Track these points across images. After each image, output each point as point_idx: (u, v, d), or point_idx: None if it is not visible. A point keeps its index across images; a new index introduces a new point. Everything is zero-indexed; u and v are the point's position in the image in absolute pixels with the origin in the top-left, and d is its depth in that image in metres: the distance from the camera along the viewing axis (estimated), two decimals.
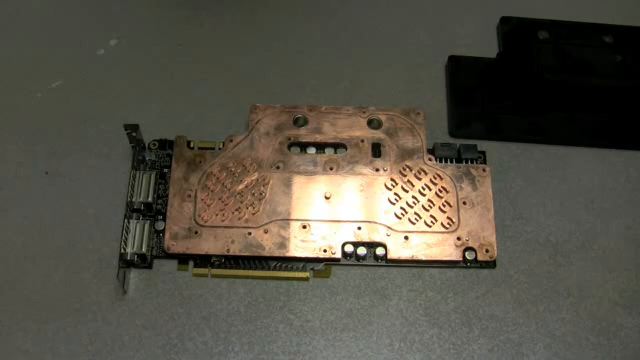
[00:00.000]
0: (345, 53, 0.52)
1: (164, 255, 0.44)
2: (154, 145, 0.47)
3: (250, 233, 0.44)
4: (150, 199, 0.45)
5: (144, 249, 0.44)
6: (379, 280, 0.44)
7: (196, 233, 0.44)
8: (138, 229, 0.44)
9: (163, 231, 0.44)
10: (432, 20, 0.53)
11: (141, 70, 0.51)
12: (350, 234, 0.44)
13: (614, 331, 0.43)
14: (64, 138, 0.48)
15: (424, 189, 0.45)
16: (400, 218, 0.44)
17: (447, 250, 0.44)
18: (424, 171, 0.46)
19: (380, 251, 0.44)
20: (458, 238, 0.44)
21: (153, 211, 0.45)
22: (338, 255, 0.44)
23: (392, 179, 0.46)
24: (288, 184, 0.45)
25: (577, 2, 0.54)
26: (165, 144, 0.47)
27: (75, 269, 0.44)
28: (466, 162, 0.47)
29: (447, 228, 0.44)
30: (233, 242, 0.43)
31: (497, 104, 0.49)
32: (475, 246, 0.44)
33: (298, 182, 0.45)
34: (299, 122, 0.47)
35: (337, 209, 0.45)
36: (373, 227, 0.44)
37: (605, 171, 0.48)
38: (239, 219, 0.44)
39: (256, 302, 0.43)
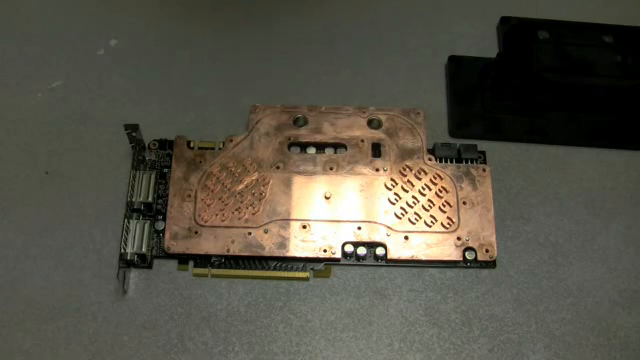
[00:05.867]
0: (345, 53, 0.52)
1: (164, 255, 0.44)
2: (154, 145, 0.47)
3: (250, 233, 0.44)
4: (150, 199, 0.45)
5: (144, 249, 0.44)
6: (379, 280, 0.44)
7: (196, 233, 0.44)
8: (138, 229, 0.44)
9: (163, 231, 0.44)
10: (432, 20, 0.53)
11: (141, 70, 0.51)
12: (350, 234, 0.44)
13: (614, 331, 0.43)
14: (64, 138, 0.48)
15: (424, 189, 0.45)
16: (400, 218, 0.44)
17: (447, 250, 0.44)
18: (424, 171, 0.46)
19: (380, 251, 0.44)
20: (458, 238, 0.44)
21: (153, 211, 0.45)
22: (338, 255, 0.44)
23: (392, 179, 0.46)
24: (288, 184, 0.45)
25: (577, 2, 0.54)
26: (165, 144, 0.47)
27: (75, 269, 0.44)
28: (466, 162, 0.47)
29: (447, 228, 0.44)
30: (233, 242, 0.43)
31: (497, 104, 0.49)
32: (475, 246, 0.44)
33: (298, 182, 0.45)
34: (299, 122, 0.47)
35: (337, 209, 0.45)
36: (373, 227, 0.44)
37: (605, 171, 0.48)
38: (239, 219, 0.44)
39: (256, 302, 0.43)
